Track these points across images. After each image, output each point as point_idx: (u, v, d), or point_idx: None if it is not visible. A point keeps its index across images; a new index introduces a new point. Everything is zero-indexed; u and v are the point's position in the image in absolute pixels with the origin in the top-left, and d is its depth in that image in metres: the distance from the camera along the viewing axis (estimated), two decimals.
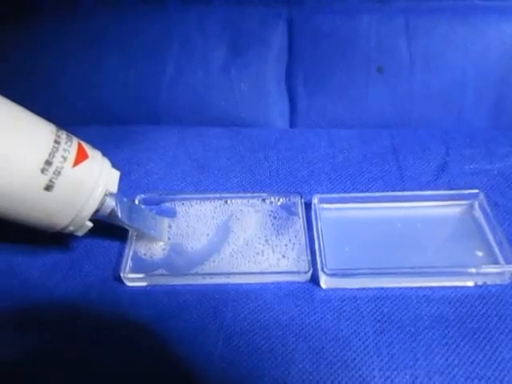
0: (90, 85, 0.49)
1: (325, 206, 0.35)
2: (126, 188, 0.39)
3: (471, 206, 0.36)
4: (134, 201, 0.37)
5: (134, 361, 0.29)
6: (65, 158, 0.28)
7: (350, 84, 0.47)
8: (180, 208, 0.37)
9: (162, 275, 0.32)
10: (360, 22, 0.47)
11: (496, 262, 0.32)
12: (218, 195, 0.37)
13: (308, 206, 0.36)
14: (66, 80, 0.48)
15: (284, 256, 0.33)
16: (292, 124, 0.49)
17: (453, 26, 0.46)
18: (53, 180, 0.27)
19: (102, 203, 0.30)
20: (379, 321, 0.30)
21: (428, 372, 0.27)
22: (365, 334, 0.29)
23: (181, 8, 0.49)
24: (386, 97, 0.47)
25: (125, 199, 0.32)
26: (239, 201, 0.37)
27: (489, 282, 0.31)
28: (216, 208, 0.36)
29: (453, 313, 0.30)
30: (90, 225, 0.31)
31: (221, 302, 0.31)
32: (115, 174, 0.32)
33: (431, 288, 0.31)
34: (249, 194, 0.37)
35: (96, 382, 0.28)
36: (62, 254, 0.35)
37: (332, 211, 0.36)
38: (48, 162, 0.27)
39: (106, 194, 0.30)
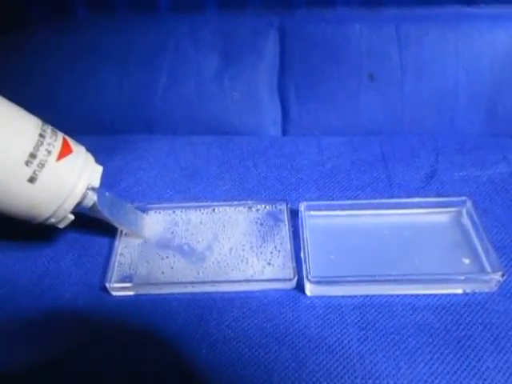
0: (84, 95, 0.49)
1: (311, 213, 0.35)
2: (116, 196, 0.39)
3: (459, 214, 0.36)
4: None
5: (118, 368, 0.29)
6: (49, 152, 0.29)
7: (341, 91, 0.47)
8: (167, 217, 0.37)
9: (148, 284, 0.32)
10: (351, 30, 0.47)
11: (482, 270, 0.32)
12: (205, 203, 0.37)
13: (295, 214, 0.36)
14: (59, 90, 0.49)
15: (269, 263, 0.33)
16: (284, 132, 0.49)
17: (444, 32, 0.46)
18: (36, 172, 0.28)
19: (84, 196, 0.31)
20: (363, 329, 0.30)
21: (411, 381, 0.27)
22: (348, 341, 0.29)
23: (174, 18, 0.50)
24: (378, 104, 0.47)
25: (107, 193, 0.33)
26: (226, 208, 0.37)
27: (476, 290, 0.31)
28: (203, 216, 0.36)
29: (438, 321, 0.30)
30: (72, 217, 0.31)
31: (206, 309, 0.31)
32: (98, 169, 0.33)
33: (417, 296, 0.31)
34: (236, 202, 0.37)
35: None
36: (50, 262, 0.35)
37: (319, 218, 0.36)
38: (32, 155, 0.28)
39: (88, 188, 0.31)
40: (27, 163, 0.28)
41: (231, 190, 0.40)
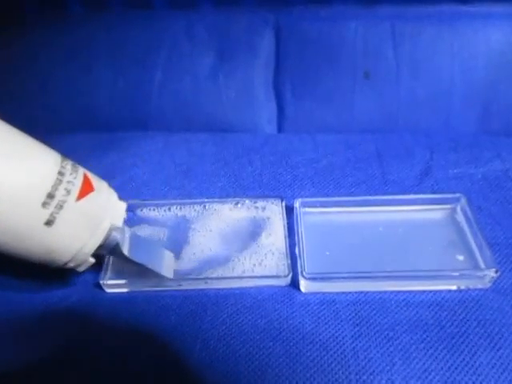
0: (79, 92, 0.49)
1: (307, 210, 0.35)
2: None
3: (453, 210, 0.36)
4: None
5: (112, 364, 0.29)
6: (68, 191, 0.26)
7: (336, 89, 0.48)
8: (160, 213, 0.37)
9: (141, 281, 0.32)
10: (347, 28, 0.47)
11: (477, 267, 0.32)
12: (199, 200, 0.37)
13: (290, 210, 0.36)
14: (54, 87, 0.49)
15: (264, 260, 0.33)
16: (280, 129, 0.49)
17: (439, 31, 0.47)
18: (54, 215, 0.26)
19: (107, 238, 0.29)
20: (357, 325, 0.30)
21: (405, 377, 0.27)
22: (342, 338, 0.29)
23: (169, 15, 0.50)
24: (373, 102, 0.47)
25: (130, 232, 0.31)
26: (220, 205, 0.37)
27: (470, 286, 0.31)
28: (197, 213, 0.36)
29: (432, 317, 0.30)
30: (93, 261, 0.29)
31: (200, 306, 0.31)
32: (121, 206, 0.30)
33: (411, 292, 0.31)
34: (230, 199, 0.37)
35: None
36: None
37: (314, 215, 0.36)
38: (50, 196, 0.25)
39: (110, 229, 0.29)
40: (44, 205, 0.25)
41: (226, 186, 0.40)
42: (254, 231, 0.35)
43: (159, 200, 0.38)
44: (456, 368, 0.27)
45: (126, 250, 0.29)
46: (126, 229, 0.30)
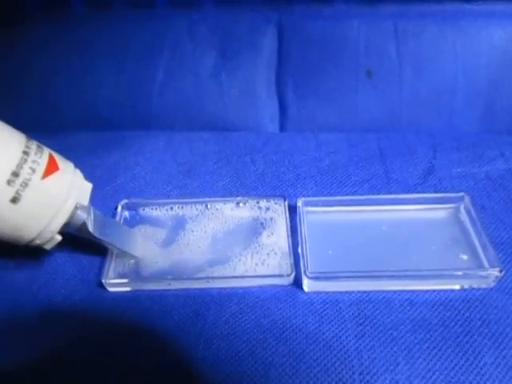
0: (81, 90, 0.49)
1: (309, 209, 0.35)
2: (111, 192, 0.39)
3: (457, 210, 0.35)
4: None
5: (115, 364, 0.29)
6: (33, 170, 0.27)
7: (339, 88, 0.47)
8: (162, 212, 0.37)
9: (144, 280, 0.32)
10: (349, 26, 0.47)
11: (481, 266, 0.32)
12: (201, 199, 0.37)
13: (293, 209, 0.36)
14: (57, 86, 0.49)
15: (267, 259, 0.33)
16: (282, 128, 0.49)
17: (442, 30, 0.46)
18: (19, 192, 0.26)
19: (72, 216, 0.29)
20: (361, 324, 0.30)
21: (409, 376, 0.27)
22: (346, 337, 0.29)
23: (171, 14, 0.49)
24: (376, 101, 0.47)
25: (97, 212, 0.31)
26: (222, 204, 0.36)
27: (474, 286, 0.31)
28: (199, 212, 0.36)
29: (436, 317, 0.30)
30: (59, 238, 0.30)
31: (203, 305, 0.31)
32: (87, 187, 0.31)
33: (414, 292, 0.31)
34: (232, 198, 0.37)
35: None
36: (45, 257, 0.35)
37: (317, 214, 0.35)
38: (15, 174, 0.26)
39: (76, 207, 0.29)
40: (9, 182, 0.26)
41: (228, 185, 0.40)
42: (256, 230, 0.35)
43: (161, 199, 0.38)
44: (460, 368, 0.27)
45: (92, 229, 0.30)
46: (92, 209, 0.31)
